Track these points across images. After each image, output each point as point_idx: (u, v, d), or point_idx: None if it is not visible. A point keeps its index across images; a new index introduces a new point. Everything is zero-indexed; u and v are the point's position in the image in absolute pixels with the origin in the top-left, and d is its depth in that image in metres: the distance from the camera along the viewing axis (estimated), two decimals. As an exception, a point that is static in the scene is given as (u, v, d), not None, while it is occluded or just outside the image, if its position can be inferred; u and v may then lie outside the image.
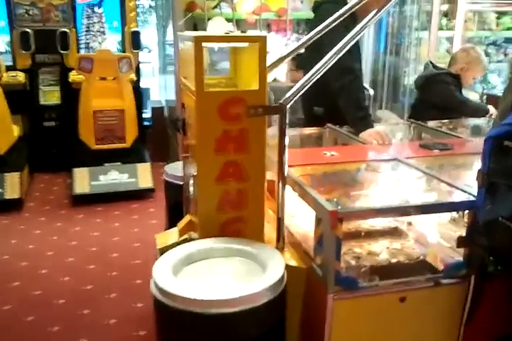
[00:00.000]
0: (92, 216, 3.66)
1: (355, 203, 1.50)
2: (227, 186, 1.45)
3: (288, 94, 1.42)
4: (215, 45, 1.43)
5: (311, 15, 4.93)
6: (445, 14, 4.72)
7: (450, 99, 2.94)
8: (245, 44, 1.42)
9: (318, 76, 1.48)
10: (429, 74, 3.13)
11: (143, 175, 3.97)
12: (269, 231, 1.53)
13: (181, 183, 1.91)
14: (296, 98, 1.43)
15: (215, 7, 4.63)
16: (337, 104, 2.25)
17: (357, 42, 2.51)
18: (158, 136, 5.03)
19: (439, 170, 1.69)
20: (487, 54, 5.34)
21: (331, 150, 1.81)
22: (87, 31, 4.53)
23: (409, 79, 4.74)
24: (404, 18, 5.00)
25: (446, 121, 2.53)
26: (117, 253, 3.07)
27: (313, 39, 1.92)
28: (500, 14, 5.19)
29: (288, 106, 1.41)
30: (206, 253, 1.38)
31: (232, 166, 1.44)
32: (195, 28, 4.71)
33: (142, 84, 5.01)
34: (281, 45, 4.93)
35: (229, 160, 1.43)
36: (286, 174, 1.44)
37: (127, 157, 4.04)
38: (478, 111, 2.91)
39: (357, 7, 1.98)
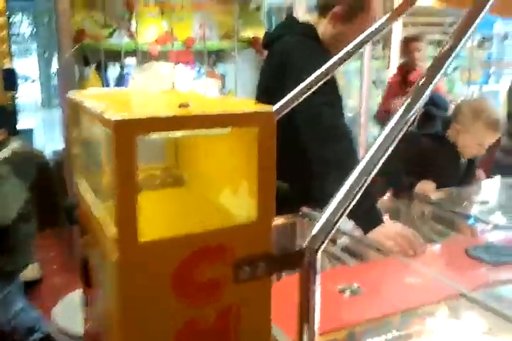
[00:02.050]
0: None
1: None
2: None
3: (317, 228, 0.68)
4: (164, 135, 0.62)
5: (221, 45, 4.34)
6: (373, 43, 4.30)
7: None
8: (226, 129, 0.66)
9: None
10: None
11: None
12: None
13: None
14: (331, 236, 0.69)
15: (110, 36, 3.85)
16: (312, 174, 1.56)
17: (339, 95, 1.85)
18: (43, 197, 4.04)
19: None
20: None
21: (344, 279, 1.08)
22: None
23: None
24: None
25: (446, 189, 1.92)
26: None
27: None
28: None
29: (320, 251, 0.67)
30: None
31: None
32: (86, 62, 3.90)
33: (23, 125, 4.08)
34: (189, 78, 4.24)
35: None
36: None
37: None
38: None
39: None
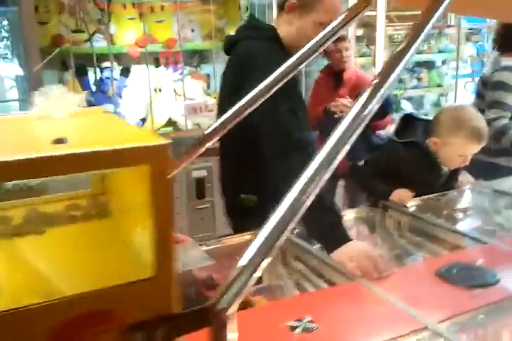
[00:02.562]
0: None
1: None
2: None
3: (229, 280, 0.58)
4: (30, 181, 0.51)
5: (204, 46, 4.22)
6: (358, 39, 4.17)
7: None
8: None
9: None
10: None
11: None
12: None
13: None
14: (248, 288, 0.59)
15: (88, 40, 3.75)
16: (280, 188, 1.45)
17: (302, 100, 1.75)
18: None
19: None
20: (401, 80, 4.89)
21: (298, 311, 0.97)
22: None
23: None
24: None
25: (425, 197, 1.81)
26: None
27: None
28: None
29: (233, 308, 0.57)
30: None
31: None
32: (64, 67, 3.80)
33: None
34: (172, 80, 4.15)
35: None
36: None
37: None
38: None
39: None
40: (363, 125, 0.71)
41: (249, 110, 1.07)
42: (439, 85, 5.03)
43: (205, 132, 1.02)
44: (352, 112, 0.71)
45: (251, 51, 1.63)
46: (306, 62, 1.04)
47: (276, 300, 1.32)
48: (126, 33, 3.87)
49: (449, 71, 5.00)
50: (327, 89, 3.39)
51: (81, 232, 0.77)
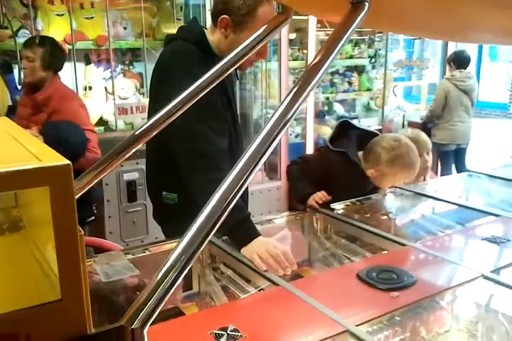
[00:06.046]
0: None
1: None
2: None
3: (141, 299, 0.56)
4: None
5: (136, 44, 4.15)
6: (290, 43, 4.22)
7: None
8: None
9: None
10: None
11: None
12: None
13: None
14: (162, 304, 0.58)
15: (14, 35, 3.59)
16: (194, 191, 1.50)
17: (228, 100, 1.77)
18: None
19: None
20: (333, 84, 5.00)
21: (221, 319, 0.97)
22: None
23: (260, 114, 4.15)
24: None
25: (349, 201, 1.86)
26: None
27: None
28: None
29: (147, 327, 0.55)
30: None
31: None
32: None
33: None
34: (103, 79, 4.04)
35: None
36: None
37: None
38: None
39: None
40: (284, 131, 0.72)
41: (177, 114, 1.06)
42: (368, 89, 5.18)
43: (136, 133, 1.01)
44: (273, 120, 0.71)
45: (170, 55, 1.67)
46: (224, 76, 1.04)
47: (205, 307, 1.33)
48: (55, 29, 3.72)
49: (379, 75, 5.17)
50: (28, 109, 2.78)
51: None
